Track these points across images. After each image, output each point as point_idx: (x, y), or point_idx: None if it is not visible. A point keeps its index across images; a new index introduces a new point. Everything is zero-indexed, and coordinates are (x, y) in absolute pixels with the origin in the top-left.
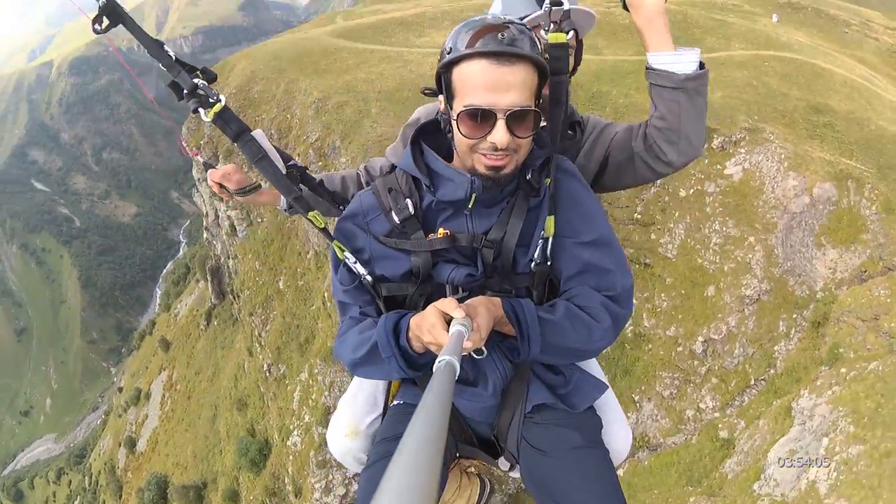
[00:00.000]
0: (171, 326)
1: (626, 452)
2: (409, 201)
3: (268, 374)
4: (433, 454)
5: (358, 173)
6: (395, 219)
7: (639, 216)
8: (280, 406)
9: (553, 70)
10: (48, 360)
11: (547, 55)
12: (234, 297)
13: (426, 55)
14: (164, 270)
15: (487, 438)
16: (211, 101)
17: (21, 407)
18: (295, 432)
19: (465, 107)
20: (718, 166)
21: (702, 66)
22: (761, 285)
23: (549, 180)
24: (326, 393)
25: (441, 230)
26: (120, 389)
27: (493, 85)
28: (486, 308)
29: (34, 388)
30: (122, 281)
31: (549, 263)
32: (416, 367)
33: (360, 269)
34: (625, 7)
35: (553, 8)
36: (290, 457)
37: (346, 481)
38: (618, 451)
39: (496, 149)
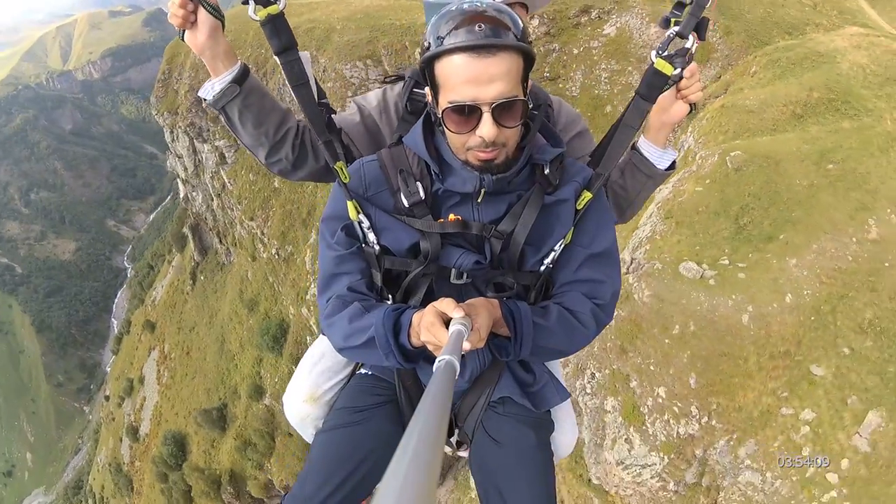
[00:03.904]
0: (151, 311)
1: (569, 451)
2: (419, 185)
3: (277, 256)
4: (434, 454)
5: (359, 107)
6: (404, 202)
7: (547, 73)
8: (293, 277)
9: (643, 95)
10: (19, 415)
11: (531, 40)
12: (221, 238)
13: None
14: (117, 299)
15: None
16: None
17: (2, 468)
18: (312, 286)
19: (449, 103)
20: (598, 30)
21: (673, 164)
22: None
23: (587, 197)
24: None
25: (452, 215)
26: (107, 398)
27: (475, 78)
28: (487, 310)
29: (11, 445)
30: (76, 318)
31: (552, 266)
32: (413, 360)
33: (371, 236)
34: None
35: (677, 36)
36: (311, 308)
37: None
38: (563, 448)
39: (485, 143)
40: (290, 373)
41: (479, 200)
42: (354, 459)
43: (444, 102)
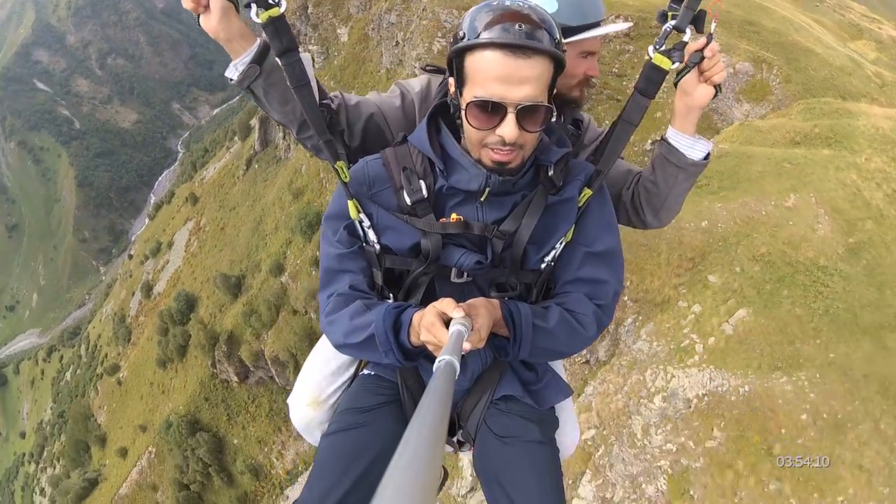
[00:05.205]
0: (198, 187)
1: (572, 450)
2: (422, 183)
3: None
4: (433, 454)
5: (402, 92)
6: (407, 199)
7: (616, 70)
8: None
9: (641, 90)
10: (38, 257)
11: (565, 49)
12: (286, 134)
13: None
14: (161, 177)
15: None
16: (271, 1)
17: (7, 302)
18: None
19: (475, 97)
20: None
21: (706, 156)
22: None
23: (588, 193)
24: None
25: (454, 215)
26: (130, 256)
27: (506, 77)
28: (487, 310)
29: (21, 283)
30: (118, 184)
31: (553, 264)
32: (413, 358)
33: (371, 234)
34: (675, 84)
35: (673, 31)
36: None
37: None
38: (567, 448)
39: (504, 143)
40: (314, 257)
41: (482, 200)
42: (362, 462)
43: (469, 96)
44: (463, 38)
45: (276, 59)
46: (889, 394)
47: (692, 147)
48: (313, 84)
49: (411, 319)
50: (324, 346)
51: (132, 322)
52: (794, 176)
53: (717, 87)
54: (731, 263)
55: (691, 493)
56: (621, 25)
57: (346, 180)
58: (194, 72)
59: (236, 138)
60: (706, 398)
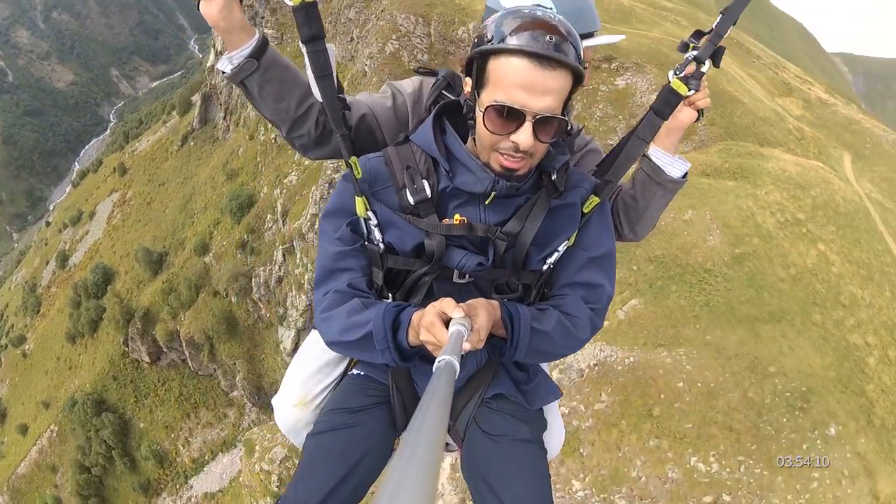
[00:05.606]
0: (128, 158)
1: (558, 451)
2: (426, 183)
3: (274, 142)
4: (434, 455)
5: (393, 93)
6: (410, 199)
7: None
8: (279, 163)
9: (657, 111)
10: None
11: (586, 66)
12: (227, 114)
13: None
14: (88, 146)
15: None
16: None
17: None
18: (293, 173)
19: (495, 101)
20: (612, 78)
21: (684, 175)
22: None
23: (595, 201)
24: None
25: (457, 216)
26: (48, 223)
27: (530, 86)
28: (487, 311)
29: None
30: (43, 147)
31: (553, 266)
32: (408, 359)
33: (376, 233)
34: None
35: (694, 60)
36: (284, 191)
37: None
38: (553, 449)
39: (517, 150)
40: (241, 240)
41: (487, 203)
42: (348, 462)
43: (488, 99)
44: (489, 40)
45: (302, 45)
46: (757, 370)
47: (672, 165)
48: (335, 77)
49: (410, 319)
50: (311, 346)
51: (43, 292)
52: (696, 197)
53: (700, 112)
54: (629, 262)
55: (581, 450)
56: (615, 37)
57: (359, 176)
58: (139, 39)
59: (174, 113)
60: (597, 368)
